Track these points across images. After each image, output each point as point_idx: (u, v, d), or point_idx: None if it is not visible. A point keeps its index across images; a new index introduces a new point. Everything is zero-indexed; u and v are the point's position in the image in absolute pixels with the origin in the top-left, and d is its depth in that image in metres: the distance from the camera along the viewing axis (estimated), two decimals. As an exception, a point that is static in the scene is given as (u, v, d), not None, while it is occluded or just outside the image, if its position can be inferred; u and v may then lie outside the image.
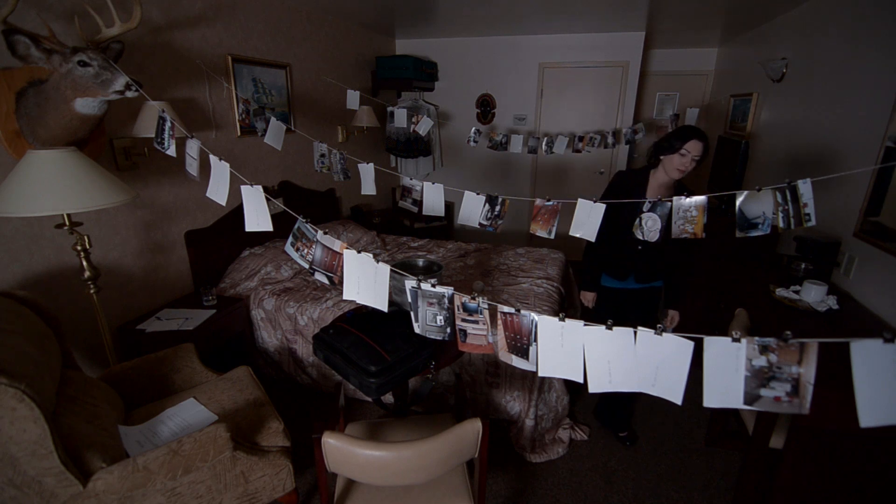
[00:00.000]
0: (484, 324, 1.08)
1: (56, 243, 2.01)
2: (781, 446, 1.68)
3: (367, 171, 2.10)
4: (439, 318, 1.14)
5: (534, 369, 1.01)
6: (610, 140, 3.92)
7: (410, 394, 2.09)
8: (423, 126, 3.40)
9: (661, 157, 1.97)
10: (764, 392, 0.78)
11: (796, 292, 2.08)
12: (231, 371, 1.99)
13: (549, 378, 2.19)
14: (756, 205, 1.30)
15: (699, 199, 1.34)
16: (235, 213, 2.94)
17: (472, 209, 1.67)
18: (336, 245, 1.24)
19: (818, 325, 1.88)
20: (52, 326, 1.65)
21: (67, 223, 1.73)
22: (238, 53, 2.91)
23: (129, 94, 1.68)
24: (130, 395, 1.83)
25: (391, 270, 1.17)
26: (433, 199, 1.82)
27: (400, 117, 3.55)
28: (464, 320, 1.11)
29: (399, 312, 1.65)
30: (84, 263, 1.81)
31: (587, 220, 1.46)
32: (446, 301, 1.12)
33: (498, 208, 1.66)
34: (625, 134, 3.93)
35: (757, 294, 2.17)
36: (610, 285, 2.18)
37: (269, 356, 2.75)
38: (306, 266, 1.30)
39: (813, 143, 2.73)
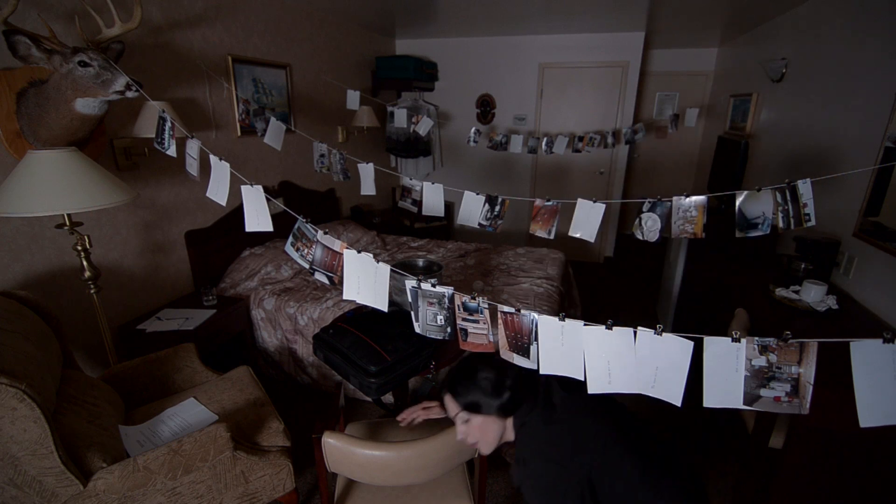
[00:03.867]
0: (485, 323, 1.09)
1: (57, 243, 2.01)
2: (781, 446, 1.68)
3: (367, 171, 2.10)
4: (439, 317, 1.14)
5: (535, 367, 1.01)
6: (610, 140, 3.92)
7: (410, 394, 2.09)
8: (423, 126, 3.40)
9: None
10: (764, 392, 0.78)
11: (796, 292, 2.08)
12: (231, 371, 1.99)
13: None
14: (756, 205, 1.30)
15: (699, 198, 1.34)
16: (235, 213, 2.95)
17: (472, 209, 1.67)
18: (336, 245, 1.24)
19: (818, 324, 1.89)
20: (52, 326, 1.65)
21: (68, 223, 1.73)
22: (238, 53, 2.91)
23: (129, 94, 1.68)
24: (130, 395, 1.84)
25: (391, 270, 1.17)
26: (433, 199, 1.82)
27: (400, 117, 3.55)
28: (464, 319, 1.11)
29: (399, 312, 1.65)
30: (84, 263, 1.81)
31: (587, 220, 1.46)
32: (446, 301, 1.12)
33: (498, 208, 1.66)
34: (625, 134, 3.92)
35: (757, 294, 2.18)
36: None
37: (269, 356, 2.75)
38: (306, 266, 1.31)
39: (813, 143, 2.73)
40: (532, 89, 4.83)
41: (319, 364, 2.60)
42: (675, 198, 1.36)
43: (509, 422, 1.20)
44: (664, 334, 0.82)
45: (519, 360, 1.05)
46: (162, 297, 2.56)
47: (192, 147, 1.71)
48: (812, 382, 0.76)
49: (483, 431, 1.18)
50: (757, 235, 1.32)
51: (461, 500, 1.43)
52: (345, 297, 1.21)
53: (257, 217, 1.36)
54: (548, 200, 1.54)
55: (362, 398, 2.55)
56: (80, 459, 1.31)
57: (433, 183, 1.81)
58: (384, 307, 1.19)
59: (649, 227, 1.43)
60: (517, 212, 5.08)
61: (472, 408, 1.17)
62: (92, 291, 1.86)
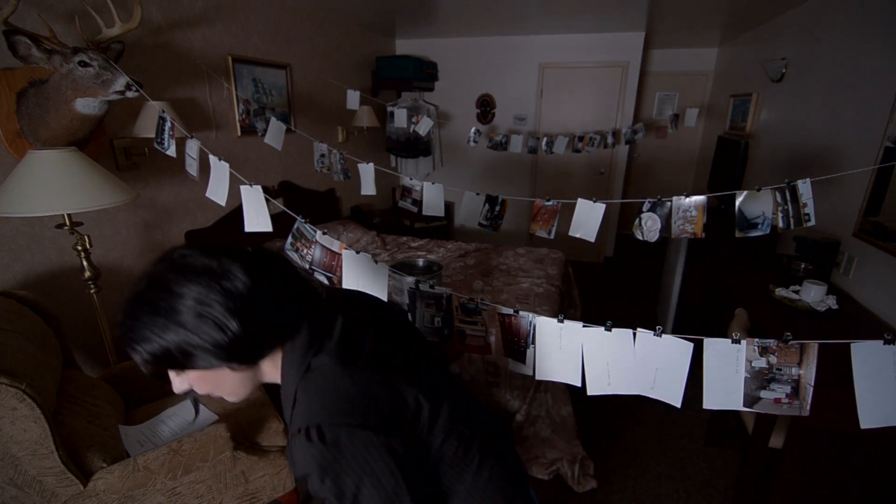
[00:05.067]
0: (482, 325, 1.09)
1: (57, 243, 2.01)
2: (781, 446, 1.68)
3: (367, 171, 2.10)
4: (437, 319, 1.14)
5: (530, 373, 1.01)
6: (610, 140, 3.92)
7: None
8: (423, 126, 3.40)
9: None
10: (764, 394, 0.78)
11: (796, 292, 2.08)
12: (231, 371, 1.99)
13: (548, 382, 2.17)
14: (756, 205, 1.30)
15: (699, 198, 1.34)
16: (235, 213, 2.94)
17: (472, 209, 1.67)
18: (335, 245, 1.24)
19: (818, 325, 1.88)
20: (52, 326, 1.65)
21: (68, 223, 1.73)
22: (238, 53, 2.91)
23: (129, 94, 1.68)
24: (130, 395, 1.83)
25: (390, 271, 1.17)
26: (433, 199, 1.82)
27: (400, 117, 3.55)
28: (462, 321, 1.11)
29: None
30: (84, 263, 1.81)
31: (587, 220, 1.46)
32: (444, 302, 1.12)
33: (498, 208, 1.66)
34: (624, 134, 3.93)
35: (757, 294, 2.17)
36: None
37: (270, 356, 2.74)
38: (305, 266, 1.30)
39: (812, 143, 2.73)
40: (532, 89, 4.82)
41: (319, 364, 2.59)
42: (674, 198, 1.36)
43: (274, 359, 0.69)
44: (663, 336, 0.82)
45: (513, 366, 1.05)
46: (162, 297, 2.56)
47: (192, 147, 1.71)
48: (812, 384, 0.76)
49: (215, 384, 0.69)
50: (757, 235, 1.32)
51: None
52: (344, 298, 1.21)
53: (256, 217, 1.36)
54: (548, 200, 1.54)
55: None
56: (80, 459, 1.31)
57: (433, 183, 1.81)
58: (384, 307, 1.18)
59: (649, 227, 1.43)
60: (517, 212, 5.08)
61: (165, 362, 0.63)
62: (92, 291, 1.86)
